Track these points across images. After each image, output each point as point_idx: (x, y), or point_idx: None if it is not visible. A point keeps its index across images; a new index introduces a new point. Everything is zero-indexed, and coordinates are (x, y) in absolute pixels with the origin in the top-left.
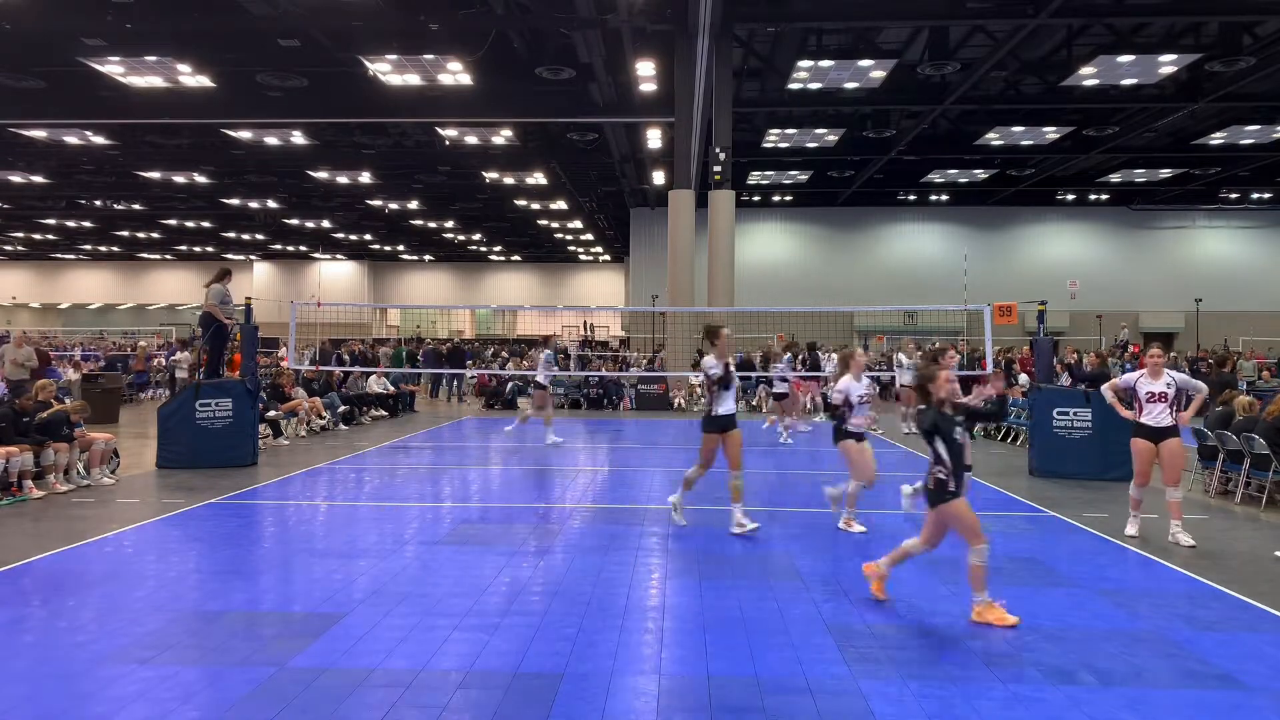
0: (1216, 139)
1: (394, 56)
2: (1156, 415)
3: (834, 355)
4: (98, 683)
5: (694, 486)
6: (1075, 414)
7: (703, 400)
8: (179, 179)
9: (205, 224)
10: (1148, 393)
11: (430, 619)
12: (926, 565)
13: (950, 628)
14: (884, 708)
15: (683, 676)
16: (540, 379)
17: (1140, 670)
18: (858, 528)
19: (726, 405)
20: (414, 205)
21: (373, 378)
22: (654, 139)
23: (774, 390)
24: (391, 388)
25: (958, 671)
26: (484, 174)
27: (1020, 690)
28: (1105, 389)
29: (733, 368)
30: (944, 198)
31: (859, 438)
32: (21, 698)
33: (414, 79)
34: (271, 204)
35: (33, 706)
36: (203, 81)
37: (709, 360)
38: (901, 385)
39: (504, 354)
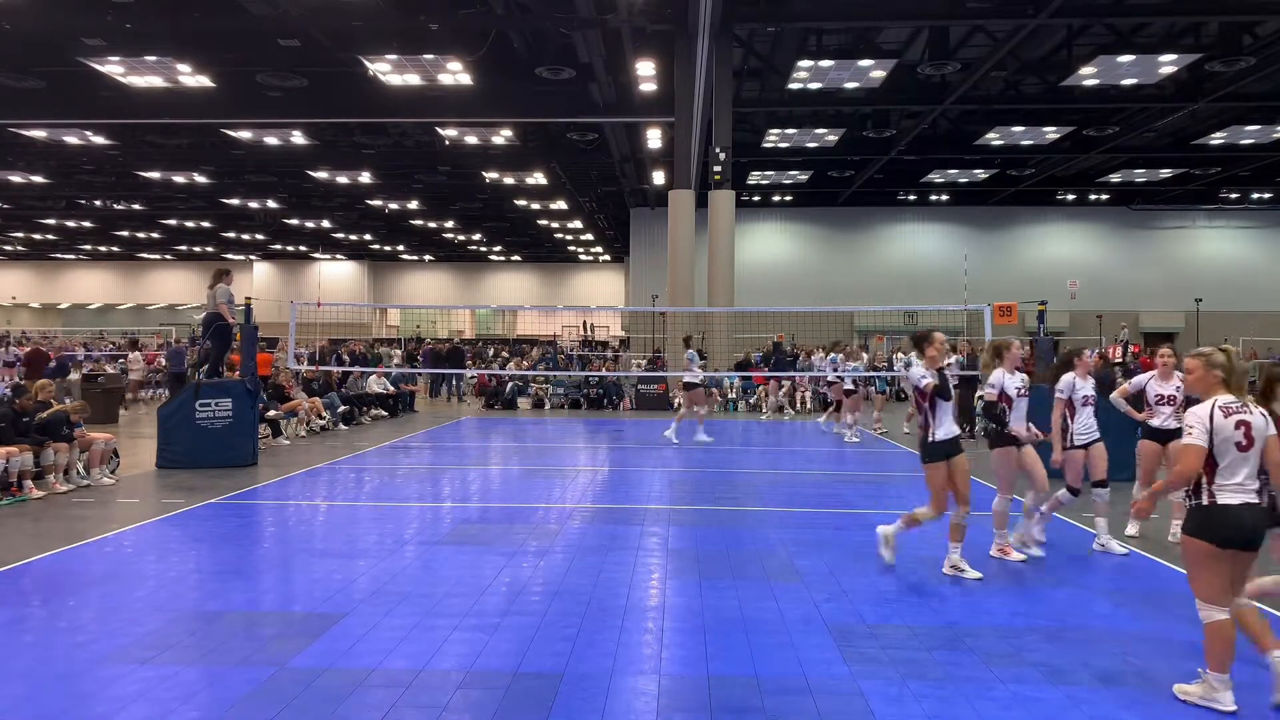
0: (1216, 139)
1: (394, 56)
2: (1165, 418)
3: (833, 355)
4: (98, 683)
5: (919, 525)
6: None
7: (912, 421)
8: (179, 179)
9: (205, 224)
10: (1157, 395)
11: (430, 619)
12: (926, 565)
13: (950, 628)
14: (884, 708)
15: (683, 676)
16: (689, 378)
17: (1140, 670)
18: (1016, 556)
19: (947, 425)
20: (414, 205)
21: (372, 378)
22: (654, 139)
23: (845, 389)
24: (391, 388)
25: (958, 671)
26: (484, 174)
27: (1020, 690)
28: (1115, 396)
29: (950, 377)
30: (944, 198)
31: (1017, 443)
32: (21, 698)
33: (414, 79)
34: (271, 204)
35: (33, 706)
36: (203, 81)
37: (917, 370)
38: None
39: (504, 354)
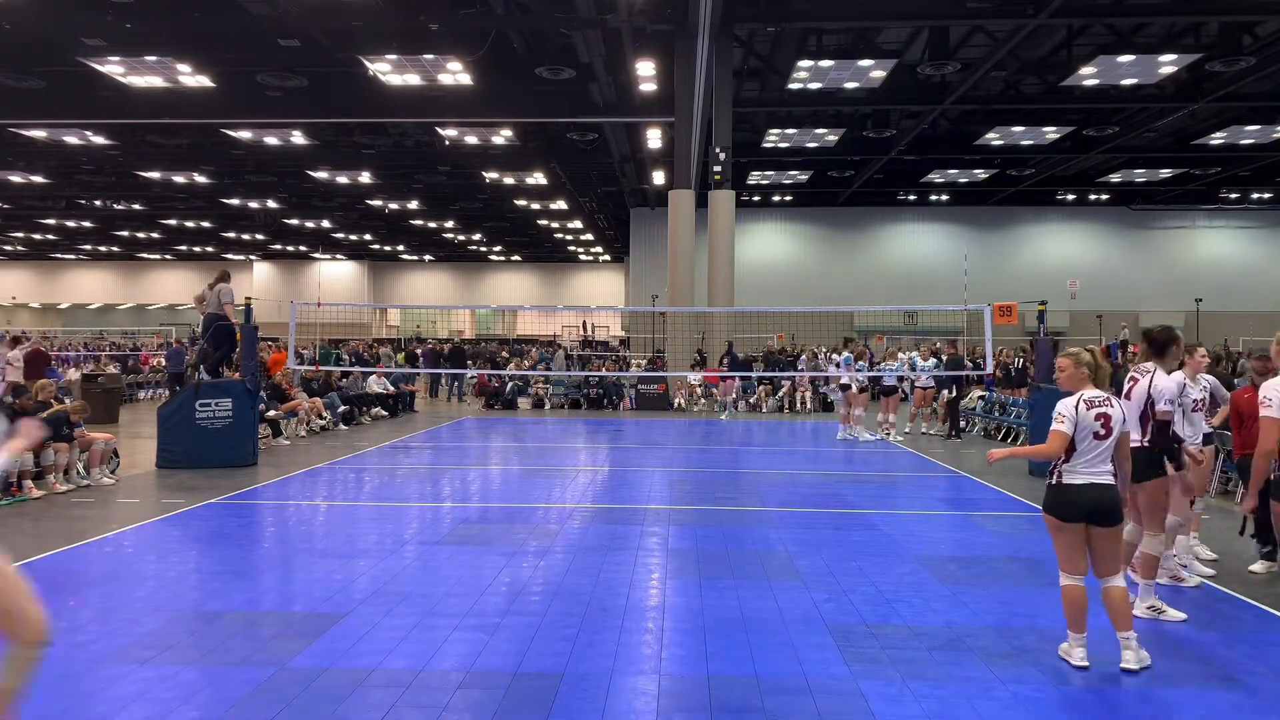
0: (1216, 139)
1: (394, 56)
2: (1196, 423)
3: (834, 354)
4: (98, 683)
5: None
6: None
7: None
8: (179, 179)
9: (205, 224)
10: (1193, 400)
11: (430, 619)
12: (926, 566)
13: (950, 628)
14: (884, 708)
15: (683, 676)
16: (845, 381)
17: (1140, 671)
18: (1174, 613)
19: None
20: (414, 205)
21: (372, 378)
22: (654, 139)
23: (884, 384)
24: (391, 388)
25: (958, 671)
26: (484, 174)
27: (1020, 690)
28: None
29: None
30: (944, 198)
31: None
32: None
33: (414, 79)
34: (271, 204)
35: (32, 706)
36: (203, 81)
37: (1178, 378)
38: (918, 386)
39: (504, 354)
